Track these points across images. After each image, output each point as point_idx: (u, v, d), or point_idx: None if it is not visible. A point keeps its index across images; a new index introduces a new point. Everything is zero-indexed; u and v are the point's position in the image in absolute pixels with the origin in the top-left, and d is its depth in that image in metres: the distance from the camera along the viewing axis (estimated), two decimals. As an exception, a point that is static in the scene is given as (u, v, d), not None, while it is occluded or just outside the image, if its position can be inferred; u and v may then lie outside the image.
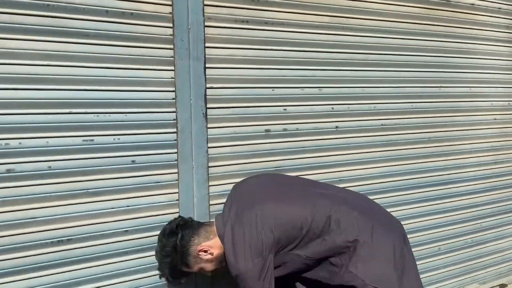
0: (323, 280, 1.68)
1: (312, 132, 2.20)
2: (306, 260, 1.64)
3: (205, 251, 1.69)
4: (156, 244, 1.75)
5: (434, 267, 2.64)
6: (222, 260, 1.70)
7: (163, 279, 1.83)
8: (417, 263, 2.50)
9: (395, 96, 2.43)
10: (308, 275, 1.72)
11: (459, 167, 2.67)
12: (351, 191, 1.85)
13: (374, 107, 2.37)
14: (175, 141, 1.87)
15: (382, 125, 2.40)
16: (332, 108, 2.25)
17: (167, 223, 1.76)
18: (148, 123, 1.81)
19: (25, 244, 1.62)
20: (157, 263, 1.78)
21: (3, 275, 1.60)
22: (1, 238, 1.58)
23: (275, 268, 1.65)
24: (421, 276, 2.51)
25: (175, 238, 1.67)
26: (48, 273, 1.68)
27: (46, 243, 1.66)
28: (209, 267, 1.75)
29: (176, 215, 1.90)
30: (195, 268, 1.73)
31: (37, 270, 1.66)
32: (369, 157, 2.38)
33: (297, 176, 1.92)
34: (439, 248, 2.64)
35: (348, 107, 2.29)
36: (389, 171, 2.44)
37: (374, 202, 1.81)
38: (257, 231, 1.58)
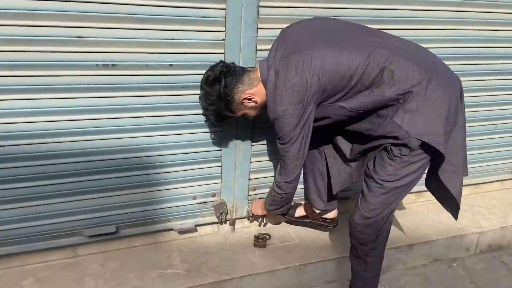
0: (365, 132, 1.61)
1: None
2: (350, 112, 1.56)
3: (249, 99, 1.65)
4: (200, 90, 1.72)
5: (487, 145, 2.51)
6: (265, 106, 1.66)
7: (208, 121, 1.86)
8: (470, 139, 2.41)
9: None
10: (349, 127, 1.67)
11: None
12: (412, 42, 1.64)
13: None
14: (223, -26, 1.70)
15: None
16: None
17: (209, 68, 1.69)
18: None
19: (71, 63, 1.63)
20: (200, 103, 1.78)
21: (49, 90, 1.64)
22: (46, 53, 1.59)
23: (315, 120, 1.59)
24: (473, 152, 2.45)
25: (219, 86, 1.62)
26: (94, 96, 1.71)
27: (91, 65, 1.66)
28: (252, 113, 1.74)
29: (221, 57, 1.84)
30: (239, 114, 1.73)
31: (84, 90, 1.69)
32: (440, 17, 2.10)
33: (355, 22, 1.72)
34: (496, 127, 2.48)
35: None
36: (459, 35, 2.18)
37: (435, 56, 1.62)
38: (302, 76, 1.48)
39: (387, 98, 1.49)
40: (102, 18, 1.60)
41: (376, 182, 1.58)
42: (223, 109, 1.68)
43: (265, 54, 1.80)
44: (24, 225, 1.81)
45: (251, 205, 2.18)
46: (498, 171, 2.64)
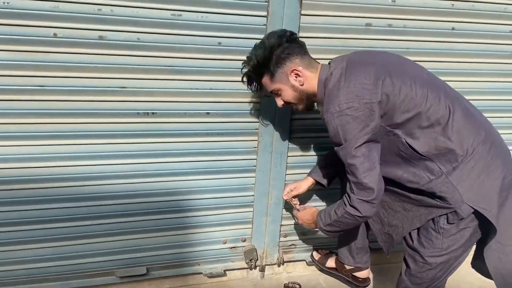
0: (407, 184, 1.45)
1: (423, 32, 1.91)
2: (402, 146, 1.38)
3: (297, 75, 1.50)
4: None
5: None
6: (305, 98, 1.54)
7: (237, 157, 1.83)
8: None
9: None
10: (389, 174, 1.48)
11: None
12: (469, 102, 1.50)
13: (505, 8, 1.95)
14: (264, 26, 1.74)
15: (510, 31, 2.00)
16: (452, 5, 1.89)
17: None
18: (237, 3, 1.68)
19: (114, 111, 1.71)
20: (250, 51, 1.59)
21: (94, 136, 1.73)
22: (92, 102, 1.68)
23: None
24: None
25: (280, 42, 1.47)
26: (134, 141, 1.78)
27: (133, 113, 1.74)
28: (287, 94, 1.55)
29: (257, 106, 1.87)
30: (275, 85, 1.54)
31: (125, 137, 1.76)
32: (486, 69, 2.04)
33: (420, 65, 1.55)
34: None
35: (472, 6, 1.91)
36: (507, 87, 2.09)
37: (490, 122, 1.49)
38: (371, 78, 1.34)
39: (447, 148, 1.34)
40: (144, 70, 1.68)
41: (422, 257, 1.45)
42: (266, 65, 1.50)
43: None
44: (62, 263, 1.89)
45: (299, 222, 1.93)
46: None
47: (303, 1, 1.73)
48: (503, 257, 1.39)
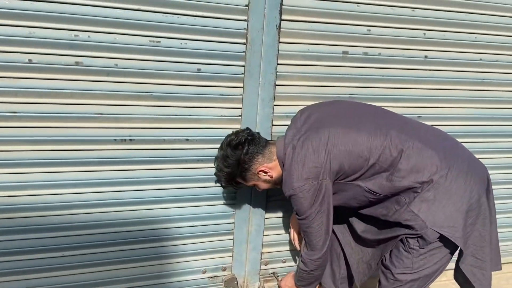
0: (381, 217, 1.55)
1: (397, 60, 1.96)
2: (367, 193, 1.51)
3: (265, 172, 1.64)
4: (218, 151, 1.71)
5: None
6: (278, 182, 1.65)
7: (217, 184, 1.87)
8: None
9: (501, 28, 2.05)
10: (364, 211, 1.61)
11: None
12: (432, 127, 1.63)
13: (475, 38, 2.03)
14: (243, 53, 1.75)
15: (480, 59, 2.07)
16: (424, 34, 1.96)
17: (232, 133, 1.69)
18: (217, 30, 1.69)
19: (90, 138, 1.67)
20: (213, 174, 1.79)
21: (69, 164, 1.68)
22: (68, 129, 1.64)
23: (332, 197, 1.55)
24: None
25: (240, 152, 1.61)
26: (110, 169, 1.74)
27: (109, 140, 1.70)
28: (263, 186, 1.72)
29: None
30: (250, 183, 1.71)
31: (101, 164, 1.72)
32: (458, 95, 2.10)
33: (371, 104, 1.73)
34: (521, 205, 2.38)
35: (444, 35, 1.98)
36: (478, 113, 2.16)
37: (458, 142, 1.59)
38: (319, 154, 1.47)
39: (404, 185, 1.44)
40: (122, 96, 1.66)
41: (393, 274, 1.51)
42: (237, 174, 1.66)
43: (281, 129, 1.83)
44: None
45: (280, 279, 2.08)
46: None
47: (281, 29, 1.76)
48: (486, 273, 1.49)
